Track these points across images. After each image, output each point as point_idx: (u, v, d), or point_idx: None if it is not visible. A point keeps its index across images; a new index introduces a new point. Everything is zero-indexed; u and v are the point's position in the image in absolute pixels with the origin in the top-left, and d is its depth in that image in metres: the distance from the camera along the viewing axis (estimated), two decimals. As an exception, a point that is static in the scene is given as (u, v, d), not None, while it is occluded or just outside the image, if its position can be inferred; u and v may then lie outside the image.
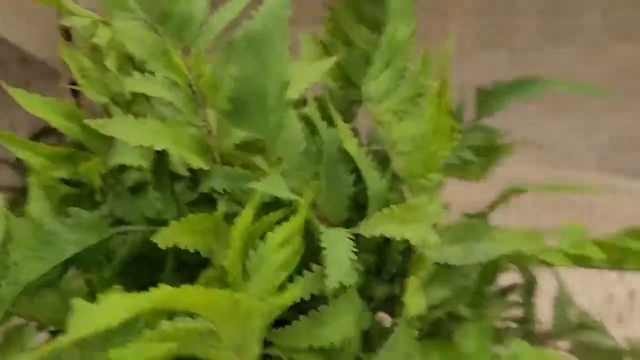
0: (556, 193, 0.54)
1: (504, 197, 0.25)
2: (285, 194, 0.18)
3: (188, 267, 0.20)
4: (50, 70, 0.52)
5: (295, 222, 0.17)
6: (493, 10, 0.66)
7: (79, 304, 0.13)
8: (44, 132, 0.49)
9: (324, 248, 0.18)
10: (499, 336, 0.26)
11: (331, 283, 0.17)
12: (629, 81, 0.70)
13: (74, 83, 0.25)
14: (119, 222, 0.21)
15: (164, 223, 0.18)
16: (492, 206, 0.25)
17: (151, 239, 0.18)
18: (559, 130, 0.71)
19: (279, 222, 0.18)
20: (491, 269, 0.27)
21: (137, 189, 0.22)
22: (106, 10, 0.21)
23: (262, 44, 0.20)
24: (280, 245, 0.17)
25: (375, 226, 0.19)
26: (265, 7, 0.20)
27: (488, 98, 0.29)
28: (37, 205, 0.21)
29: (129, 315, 0.12)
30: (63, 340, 0.12)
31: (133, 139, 0.18)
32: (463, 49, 0.66)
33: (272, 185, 0.18)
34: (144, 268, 0.21)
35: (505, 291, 0.28)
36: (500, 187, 0.26)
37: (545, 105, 0.69)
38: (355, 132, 0.24)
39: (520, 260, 0.26)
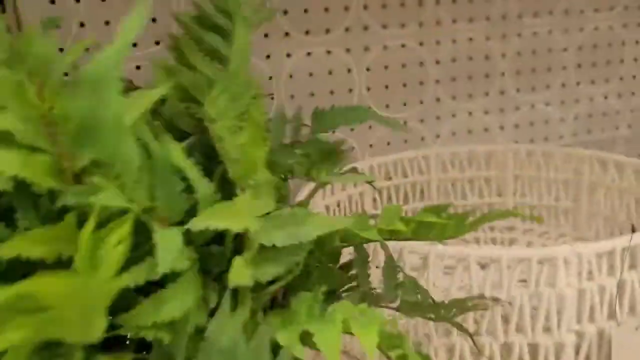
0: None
1: (316, 190, 0.30)
2: (120, 203, 0.23)
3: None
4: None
5: (125, 225, 0.22)
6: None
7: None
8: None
9: (156, 243, 0.23)
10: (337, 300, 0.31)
11: (161, 269, 0.22)
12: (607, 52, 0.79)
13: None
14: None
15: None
16: (310, 196, 0.30)
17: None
18: (535, 103, 0.78)
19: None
20: (331, 249, 0.33)
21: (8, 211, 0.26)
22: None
23: (98, 83, 0.24)
24: (115, 244, 0.22)
25: (202, 222, 0.24)
26: (102, 54, 0.24)
27: (322, 118, 0.35)
28: None
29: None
30: None
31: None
32: (440, 20, 0.72)
33: (109, 197, 0.23)
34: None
35: (346, 266, 0.34)
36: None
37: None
38: (195, 145, 0.29)
39: (350, 239, 0.32)
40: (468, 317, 0.40)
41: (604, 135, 0.85)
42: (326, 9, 0.68)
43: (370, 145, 0.74)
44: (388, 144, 0.75)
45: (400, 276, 0.33)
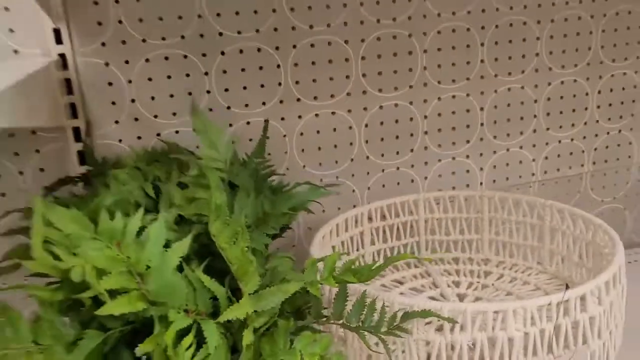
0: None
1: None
2: (183, 322, 0.37)
3: None
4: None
5: (190, 334, 0.36)
6: None
7: None
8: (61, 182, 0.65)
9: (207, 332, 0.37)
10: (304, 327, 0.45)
11: (211, 348, 0.36)
12: (573, 101, 0.91)
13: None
14: None
15: None
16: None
17: None
18: (510, 147, 0.91)
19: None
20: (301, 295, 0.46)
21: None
22: None
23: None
24: (187, 346, 0.36)
25: (224, 316, 0.38)
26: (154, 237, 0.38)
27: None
28: None
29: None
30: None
31: None
32: (427, 83, 0.84)
33: (177, 318, 0.36)
34: None
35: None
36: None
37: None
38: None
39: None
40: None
41: (570, 172, 0.98)
42: (331, 78, 0.81)
43: (368, 188, 0.88)
44: (383, 186, 0.88)
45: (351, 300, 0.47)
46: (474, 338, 0.52)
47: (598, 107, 0.96)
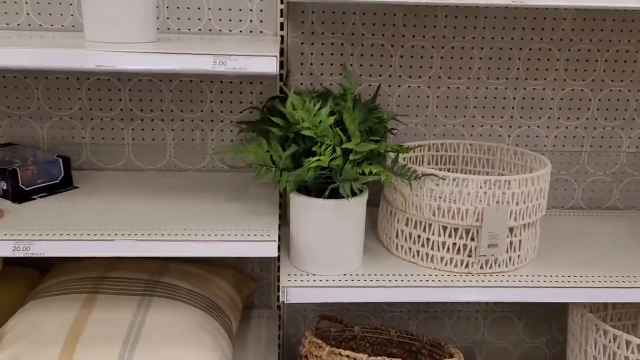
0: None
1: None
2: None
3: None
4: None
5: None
6: None
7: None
8: (272, 98, 1.35)
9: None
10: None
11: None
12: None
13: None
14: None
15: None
16: None
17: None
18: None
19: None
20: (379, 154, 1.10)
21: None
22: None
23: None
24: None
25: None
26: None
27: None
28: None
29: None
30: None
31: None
32: None
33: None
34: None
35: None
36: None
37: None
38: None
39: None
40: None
41: (572, 149, 1.51)
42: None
43: (434, 134, 1.48)
44: (443, 135, 1.48)
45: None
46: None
47: (597, 109, 1.48)
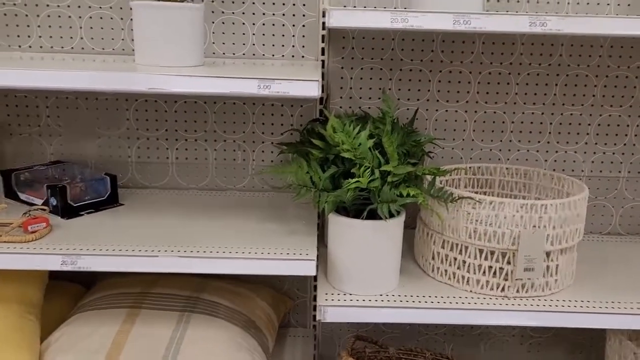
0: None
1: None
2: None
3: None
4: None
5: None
6: None
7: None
8: (313, 120, 1.38)
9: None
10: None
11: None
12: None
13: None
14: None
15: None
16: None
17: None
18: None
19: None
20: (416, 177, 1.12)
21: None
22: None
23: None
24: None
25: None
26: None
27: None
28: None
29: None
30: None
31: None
32: None
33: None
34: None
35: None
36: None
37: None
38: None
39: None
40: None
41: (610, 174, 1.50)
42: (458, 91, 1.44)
43: (470, 158, 1.49)
44: (480, 159, 1.49)
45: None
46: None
47: (635, 135, 1.48)
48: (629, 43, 1.42)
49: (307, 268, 1.05)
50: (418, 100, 1.45)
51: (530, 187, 1.40)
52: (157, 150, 1.47)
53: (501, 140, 1.49)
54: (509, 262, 1.12)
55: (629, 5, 1.39)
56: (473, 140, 1.49)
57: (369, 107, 1.46)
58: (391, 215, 1.09)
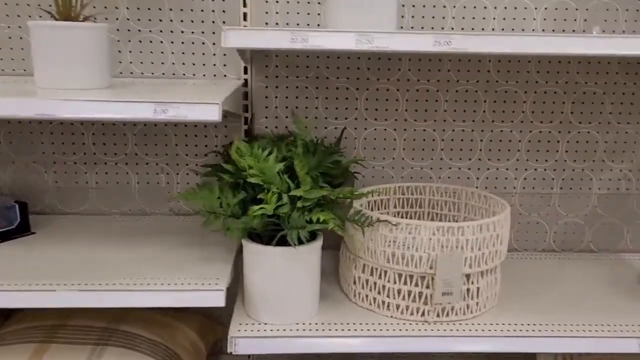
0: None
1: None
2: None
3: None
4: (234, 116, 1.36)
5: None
6: None
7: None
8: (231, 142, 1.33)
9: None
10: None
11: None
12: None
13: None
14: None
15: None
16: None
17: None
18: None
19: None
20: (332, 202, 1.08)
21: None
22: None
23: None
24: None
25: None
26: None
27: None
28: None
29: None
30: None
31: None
32: None
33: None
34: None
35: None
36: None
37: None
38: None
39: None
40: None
41: (542, 191, 1.49)
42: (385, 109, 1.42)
43: (402, 177, 1.46)
44: (411, 177, 1.47)
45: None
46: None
47: (566, 151, 1.47)
48: (556, 59, 1.41)
49: (215, 299, 1.01)
50: (346, 119, 1.42)
51: (460, 206, 1.37)
52: (75, 175, 1.41)
53: (432, 159, 1.46)
54: (427, 287, 1.09)
55: (554, 19, 1.39)
56: (403, 159, 1.46)
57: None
58: (301, 242, 1.05)
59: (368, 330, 1.07)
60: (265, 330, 1.06)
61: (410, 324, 1.10)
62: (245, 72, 1.37)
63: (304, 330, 1.07)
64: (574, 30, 1.39)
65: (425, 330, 1.08)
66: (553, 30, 1.40)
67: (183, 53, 1.36)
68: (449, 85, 1.41)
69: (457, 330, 1.08)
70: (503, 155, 1.47)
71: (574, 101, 1.44)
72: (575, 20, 1.39)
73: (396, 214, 1.41)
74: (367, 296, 1.15)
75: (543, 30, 1.40)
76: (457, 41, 0.90)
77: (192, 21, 1.34)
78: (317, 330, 1.07)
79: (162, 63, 1.36)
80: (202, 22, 1.34)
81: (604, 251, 1.54)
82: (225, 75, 1.38)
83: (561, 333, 1.09)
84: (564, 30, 1.40)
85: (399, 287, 1.10)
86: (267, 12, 1.35)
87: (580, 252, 1.54)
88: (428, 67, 1.40)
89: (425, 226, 1.06)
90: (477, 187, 1.49)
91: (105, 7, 1.32)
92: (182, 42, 1.35)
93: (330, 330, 1.07)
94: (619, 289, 1.30)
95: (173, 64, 1.36)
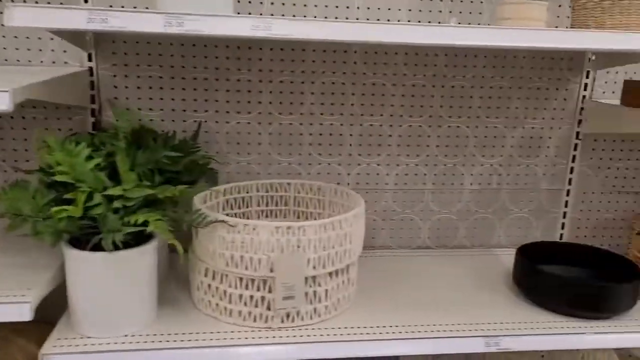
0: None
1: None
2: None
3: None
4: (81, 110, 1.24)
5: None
6: None
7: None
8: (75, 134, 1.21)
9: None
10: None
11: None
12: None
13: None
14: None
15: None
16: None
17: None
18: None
19: None
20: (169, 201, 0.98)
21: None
22: None
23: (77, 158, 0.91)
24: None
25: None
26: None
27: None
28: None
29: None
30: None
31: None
32: None
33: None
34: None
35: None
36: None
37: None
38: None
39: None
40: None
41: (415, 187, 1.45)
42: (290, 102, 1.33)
43: (269, 173, 1.38)
44: (279, 173, 1.39)
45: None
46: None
47: (437, 146, 1.43)
48: (423, 51, 1.37)
49: (19, 313, 0.89)
50: (206, 111, 1.33)
51: (324, 204, 1.31)
52: None
53: (300, 154, 1.39)
54: (270, 291, 1.01)
55: (420, 10, 1.34)
56: (270, 154, 1.38)
57: (151, 120, 1.31)
58: (130, 246, 0.94)
59: (203, 340, 0.99)
60: (85, 345, 0.95)
61: (253, 331, 1.02)
62: (90, 59, 1.25)
63: (131, 343, 0.97)
64: (439, 22, 1.36)
65: (267, 337, 1.00)
66: (419, 21, 1.35)
67: (15, 37, 1.22)
68: (313, 76, 1.34)
69: (302, 336, 1.01)
70: (373, 150, 1.41)
71: (442, 95, 1.40)
72: (440, 11, 1.35)
73: (260, 213, 1.33)
74: (209, 302, 1.06)
75: (409, 21, 1.35)
76: (277, 27, 0.83)
77: (25, 0, 1.21)
78: (152, 342, 0.98)
79: (-7, 48, 1.23)
80: (36, 2, 1.21)
81: (478, 247, 1.52)
82: (65, 62, 1.25)
83: (409, 335, 1.04)
84: (429, 22, 1.35)
85: (241, 292, 1.02)
86: (112, -5, 1.24)
87: (454, 248, 1.51)
88: (291, 57, 1.33)
89: (264, 226, 0.98)
90: (348, 184, 1.43)
91: None
92: (15, 25, 1.22)
93: (167, 341, 0.98)
94: (483, 285, 1.27)
95: (4, 48, 1.23)
